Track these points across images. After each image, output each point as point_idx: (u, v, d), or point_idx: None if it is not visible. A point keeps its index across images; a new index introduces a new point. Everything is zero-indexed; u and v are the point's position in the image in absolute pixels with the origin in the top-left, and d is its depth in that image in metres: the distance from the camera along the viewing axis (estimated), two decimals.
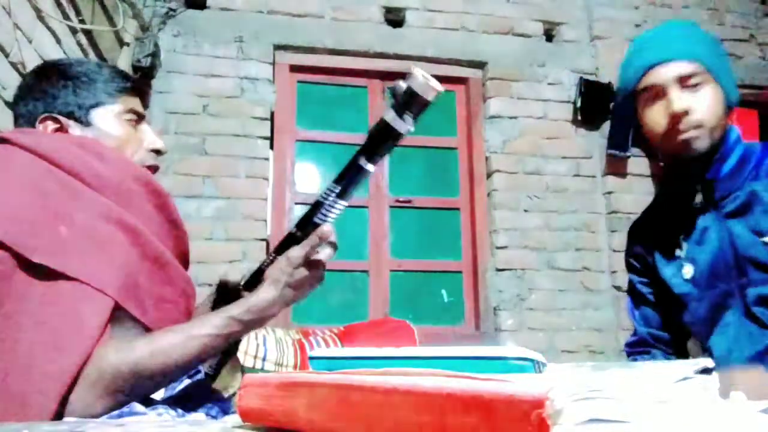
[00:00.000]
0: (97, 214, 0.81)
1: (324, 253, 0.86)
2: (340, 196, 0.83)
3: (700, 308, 1.12)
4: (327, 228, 0.84)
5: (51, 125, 0.93)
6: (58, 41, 1.72)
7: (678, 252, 1.16)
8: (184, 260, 0.97)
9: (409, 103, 0.77)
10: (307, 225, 0.86)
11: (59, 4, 1.72)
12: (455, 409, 0.33)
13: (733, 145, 1.11)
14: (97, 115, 0.94)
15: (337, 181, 0.83)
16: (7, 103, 1.43)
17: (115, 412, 0.72)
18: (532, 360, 0.49)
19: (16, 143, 0.83)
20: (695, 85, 1.07)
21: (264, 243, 2.63)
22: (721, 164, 1.10)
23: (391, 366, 0.45)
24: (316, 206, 0.85)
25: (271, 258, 0.91)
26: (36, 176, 0.80)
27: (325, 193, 0.84)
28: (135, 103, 0.99)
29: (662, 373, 0.38)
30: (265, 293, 0.85)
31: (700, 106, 1.06)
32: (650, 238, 1.23)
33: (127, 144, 0.95)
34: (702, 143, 1.07)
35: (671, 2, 3.31)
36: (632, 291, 1.30)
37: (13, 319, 0.72)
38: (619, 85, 1.18)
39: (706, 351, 1.12)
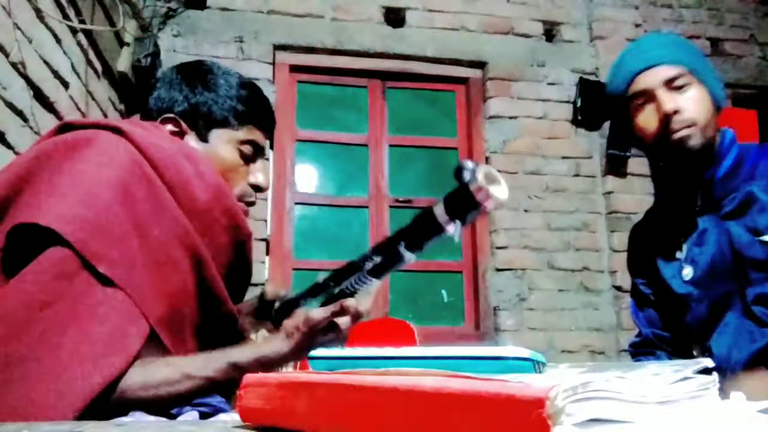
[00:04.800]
0: (173, 234, 0.81)
1: (342, 321, 0.85)
2: (374, 274, 0.80)
3: (700, 309, 1.13)
4: (352, 302, 0.83)
5: (171, 127, 0.93)
6: (58, 41, 1.72)
7: (678, 254, 1.17)
8: (241, 296, 0.98)
9: (462, 206, 0.65)
10: (340, 280, 0.84)
11: (59, 4, 1.72)
12: (455, 409, 0.33)
13: (728, 146, 1.13)
14: (216, 136, 0.94)
15: (375, 252, 0.78)
16: (7, 103, 1.43)
17: None
18: (532, 360, 0.49)
19: (128, 136, 0.82)
20: (681, 87, 1.10)
21: (264, 243, 2.63)
22: (718, 166, 1.11)
23: (391, 366, 0.45)
24: (352, 267, 0.82)
25: (301, 295, 0.90)
26: (131, 178, 0.79)
27: (363, 259, 0.80)
28: (258, 136, 0.97)
29: (662, 373, 0.38)
30: (274, 346, 0.83)
31: (689, 105, 1.09)
32: (651, 240, 1.25)
33: (230, 173, 0.94)
34: (695, 141, 1.09)
35: (671, 2, 3.31)
36: (635, 293, 1.30)
37: (62, 323, 0.70)
38: (610, 93, 1.21)
39: (706, 351, 1.12)
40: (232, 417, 0.69)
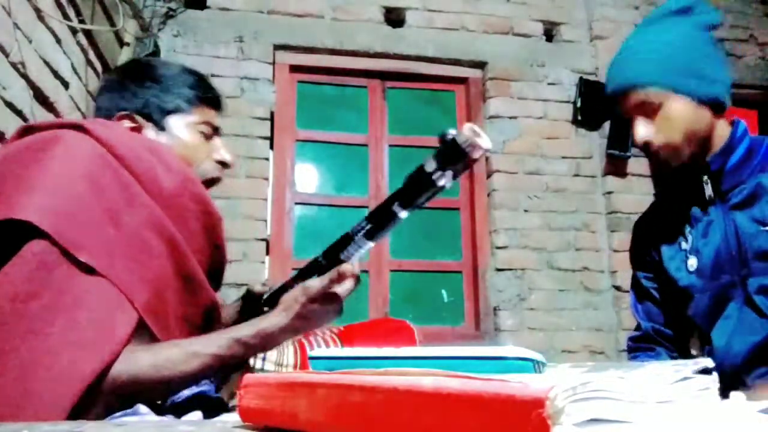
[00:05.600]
0: (145, 221, 0.82)
1: (342, 288, 0.86)
2: (369, 237, 0.83)
3: (703, 300, 1.13)
4: (348, 267, 0.84)
5: (127, 123, 0.95)
6: (58, 41, 1.72)
7: (683, 245, 1.18)
8: (218, 282, 0.99)
9: (452, 157, 0.73)
10: (332, 255, 0.85)
11: (59, 4, 1.72)
12: (455, 409, 0.33)
13: (740, 138, 1.13)
14: (172, 121, 0.97)
15: (369, 219, 0.82)
16: (7, 103, 1.43)
17: (118, 414, 0.72)
18: (532, 360, 0.49)
19: (92, 133, 0.84)
20: (653, 110, 1.10)
21: (264, 243, 2.63)
22: (728, 157, 1.12)
23: (391, 366, 0.45)
24: (345, 240, 0.84)
25: (293, 279, 0.90)
26: (99, 170, 0.81)
27: (356, 229, 0.83)
28: (211, 115, 1.01)
29: (662, 373, 0.38)
30: (274, 319, 0.84)
31: (662, 127, 1.10)
32: (655, 231, 1.25)
33: (195, 153, 0.98)
34: (676, 160, 1.11)
35: None
36: (636, 286, 1.30)
37: (49, 312, 0.71)
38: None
39: (707, 344, 1.13)
40: (231, 417, 0.69)
